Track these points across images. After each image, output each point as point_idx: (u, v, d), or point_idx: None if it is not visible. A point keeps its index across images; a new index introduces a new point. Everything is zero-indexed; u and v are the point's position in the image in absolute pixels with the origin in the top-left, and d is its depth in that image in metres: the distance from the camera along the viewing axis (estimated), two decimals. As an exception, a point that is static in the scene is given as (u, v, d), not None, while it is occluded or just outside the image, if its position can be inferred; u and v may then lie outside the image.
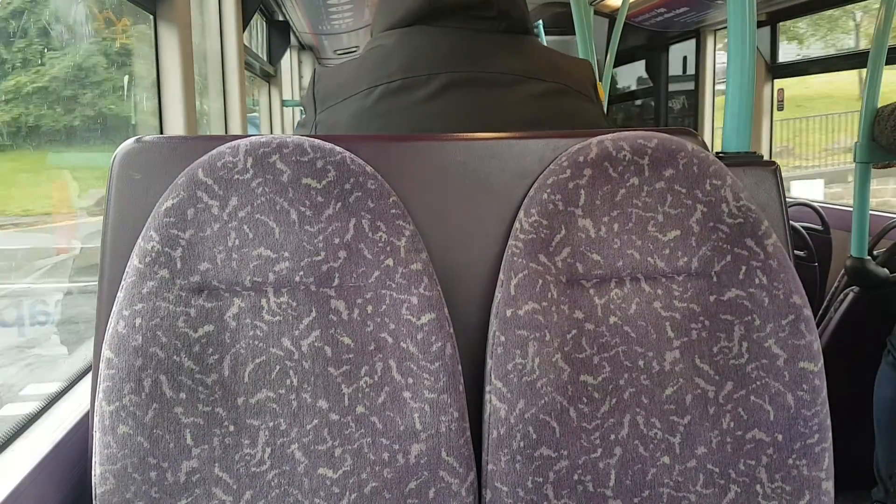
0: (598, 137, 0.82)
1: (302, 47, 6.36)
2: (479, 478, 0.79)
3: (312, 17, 4.84)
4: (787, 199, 0.91)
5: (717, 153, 1.01)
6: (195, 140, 0.84)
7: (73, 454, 0.85)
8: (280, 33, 4.68)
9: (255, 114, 4.71)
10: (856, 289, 1.95)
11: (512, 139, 0.86)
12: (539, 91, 0.97)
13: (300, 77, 6.36)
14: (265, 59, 4.49)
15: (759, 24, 3.14)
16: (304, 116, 1.03)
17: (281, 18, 4.72)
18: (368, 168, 0.78)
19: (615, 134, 0.82)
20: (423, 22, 1.00)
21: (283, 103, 5.20)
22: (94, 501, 0.74)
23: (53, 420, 0.91)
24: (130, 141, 0.82)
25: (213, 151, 0.77)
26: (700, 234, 0.80)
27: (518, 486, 0.77)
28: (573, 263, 0.79)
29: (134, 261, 0.75)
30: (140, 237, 0.75)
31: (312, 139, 0.78)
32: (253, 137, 0.78)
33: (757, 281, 0.79)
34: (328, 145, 0.78)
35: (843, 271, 2.04)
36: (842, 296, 1.97)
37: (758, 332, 0.79)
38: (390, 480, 0.76)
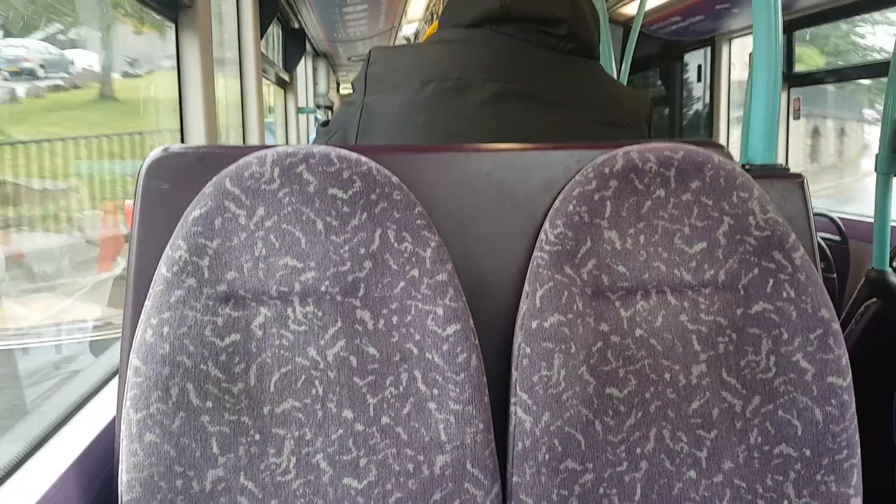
0: (625, 149, 0.82)
1: (317, 54, 6.40)
2: (504, 490, 0.79)
3: (328, 24, 4.87)
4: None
5: (742, 165, 1.00)
6: (222, 150, 0.84)
7: (98, 461, 0.85)
8: (296, 41, 4.72)
9: (269, 119, 4.74)
10: (877, 301, 1.93)
11: (537, 150, 0.86)
12: (590, 119, 0.97)
13: (315, 84, 6.39)
14: (281, 66, 4.52)
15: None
16: (353, 96, 1.02)
17: (297, 26, 4.75)
18: (394, 179, 0.78)
19: (641, 145, 0.82)
20: (490, 26, 0.99)
21: (299, 110, 5.24)
22: None
23: (79, 427, 0.92)
24: (158, 150, 0.83)
25: (241, 161, 0.77)
26: (727, 247, 0.80)
27: (543, 498, 0.77)
28: (599, 275, 0.79)
29: (162, 269, 0.75)
30: (168, 246, 0.76)
31: (339, 149, 0.79)
32: (280, 147, 0.79)
33: (785, 294, 0.78)
34: (354, 156, 0.78)
35: (861, 283, 2.02)
36: (862, 308, 1.95)
37: (786, 346, 0.78)
38: (415, 492, 0.76)
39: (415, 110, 0.95)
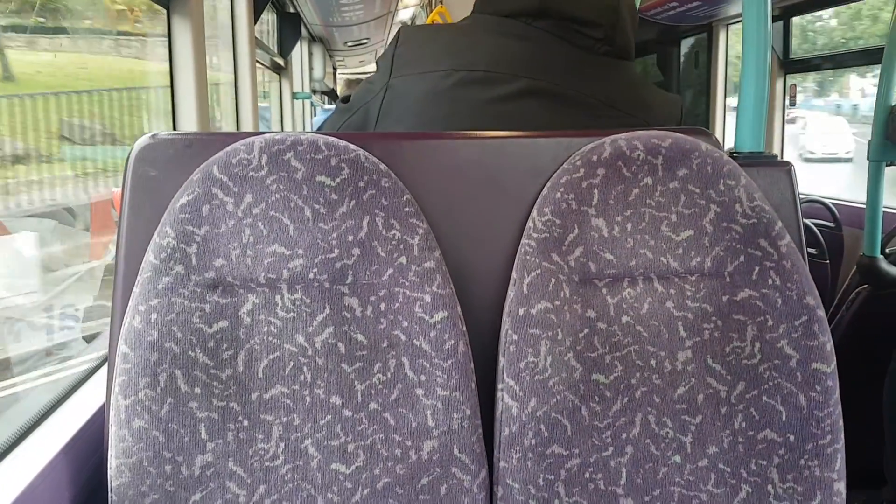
0: (612, 137, 0.82)
1: (313, 39, 6.36)
2: (491, 475, 0.80)
3: (323, 8, 4.84)
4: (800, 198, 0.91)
5: (730, 152, 1.00)
6: (210, 136, 0.84)
7: (88, 447, 0.86)
8: (291, 25, 4.68)
9: (265, 104, 4.71)
10: (868, 287, 1.94)
11: (525, 138, 0.86)
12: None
13: (310, 69, 6.36)
14: (276, 51, 4.49)
15: (773, 20, 3.12)
16: (375, 74, 1.00)
17: (292, 10, 4.71)
18: (382, 166, 0.79)
19: (629, 133, 0.82)
20: (525, 19, 0.98)
21: (294, 96, 5.21)
22: (109, 494, 0.75)
23: (68, 413, 0.92)
24: (146, 137, 0.83)
25: (229, 148, 0.77)
26: (713, 235, 0.80)
27: (529, 483, 0.78)
28: (586, 263, 0.80)
29: (149, 256, 0.75)
30: (155, 233, 0.76)
31: (327, 136, 0.79)
32: (268, 134, 0.79)
33: (770, 281, 0.79)
34: (342, 143, 0.78)
35: (854, 269, 2.02)
36: (853, 294, 1.96)
37: (770, 333, 0.79)
38: (402, 476, 0.77)
39: (439, 98, 0.94)
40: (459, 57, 0.95)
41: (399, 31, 1.01)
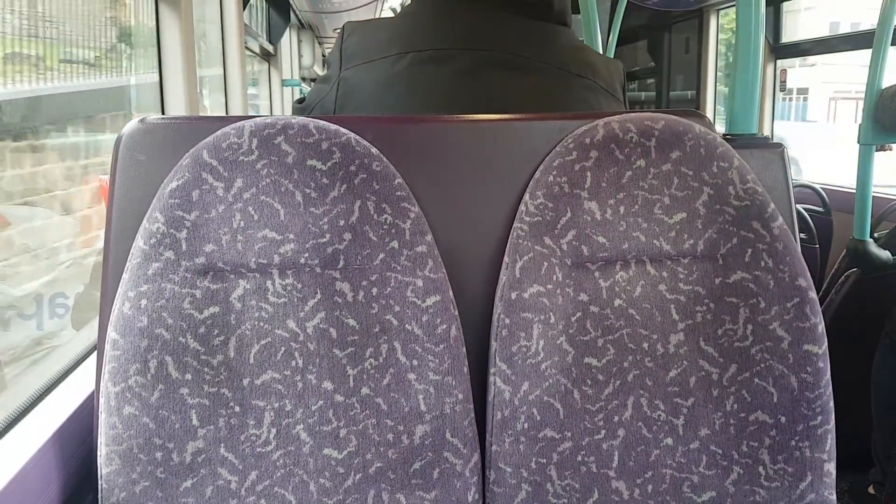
0: (605, 119, 0.81)
1: (302, 26, 6.31)
2: (483, 459, 0.80)
3: (312, -5, 4.79)
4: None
5: (723, 135, 1.00)
6: (200, 121, 0.83)
7: (77, 435, 0.85)
8: (280, 11, 4.64)
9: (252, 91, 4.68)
10: (857, 271, 1.95)
11: (518, 121, 0.85)
12: (569, 84, 0.96)
13: (300, 56, 6.31)
14: (265, 37, 4.45)
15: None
16: (326, 72, 1.01)
17: (281, -4, 4.67)
18: (374, 150, 0.78)
19: (622, 115, 0.82)
20: None
21: (283, 83, 5.17)
22: (99, 482, 0.74)
23: (58, 401, 0.91)
24: (135, 121, 0.81)
25: (218, 133, 0.76)
26: (706, 217, 0.80)
27: (522, 466, 0.78)
28: (578, 246, 0.79)
29: (139, 242, 0.74)
30: (145, 218, 0.75)
31: (318, 120, 0.78)
32: (258, 118, 0.78)
33: (763, 264, 0.79)
34: (333, 127, 0.77)
35: (843, 253, 2.04)
36: (843, 278, 1.97)
37: (763, 315, 0.79)
38: (395, 461, 0.77)
39: (392, 82, 0.94)
40: (406, 40, 0.96)
41: (344, 26, 1.00)
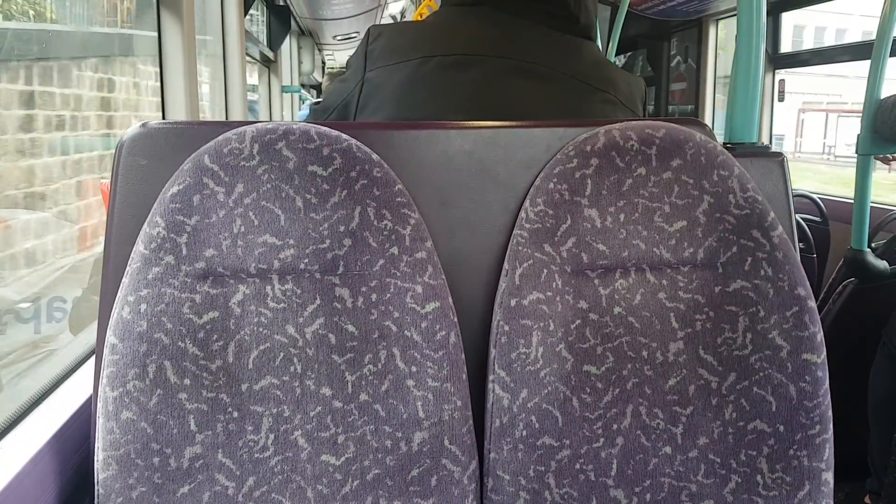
0: (606, 127, 0.82)
1: (302, 33, 6.32)
2: (482, 466, 0.80)
3: (313, 2, 4.80)
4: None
5: (724, 143, 1.01)
6: (201, 126, 0.83)
7: (74, 439, 0.85)
8: (280, 18, 4.65)
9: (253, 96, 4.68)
10: (854, 281, 1.96)
11: (518, 128, 0.86)
12: (590, 97, 0.98)
13: (300, 63, 6.32)
14: (265, 44, 4.46)
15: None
16: (347, 73, 1.02)
17: (282, 3, 4.68)
18: (374, 156, 0.78)
19: (623, 123, 0.82)
20: (496, 4, 1.01)
21: (283, 89, 5.17)
22: (95, 487, 0.74)
23: (55, 405, 0.91)
24: (136, 126, 0.82)
25: (220, 138, 0.76)
26: (706, 225, 0.80)
27: (520, 474, 0.78)
28: (578, 253, 0.79)
29: (139, 247, 0.74)
30: (145, 223, 0.75)
31: (319, 126, 0.78)
32: (259, 124, 0.78)
33: (762, 272, 0.79)
34: (334, 133, 0.78)
35: (840, 263, 2.04)
36: (840, 287, 1.98)
37: (762, 324, 0.79)
38: (393, 468, 0.76)
39: (417, 84, 0.96)
40: (433, 44, 0.98)
41: (370, 29, 1.02)
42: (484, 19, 1.00)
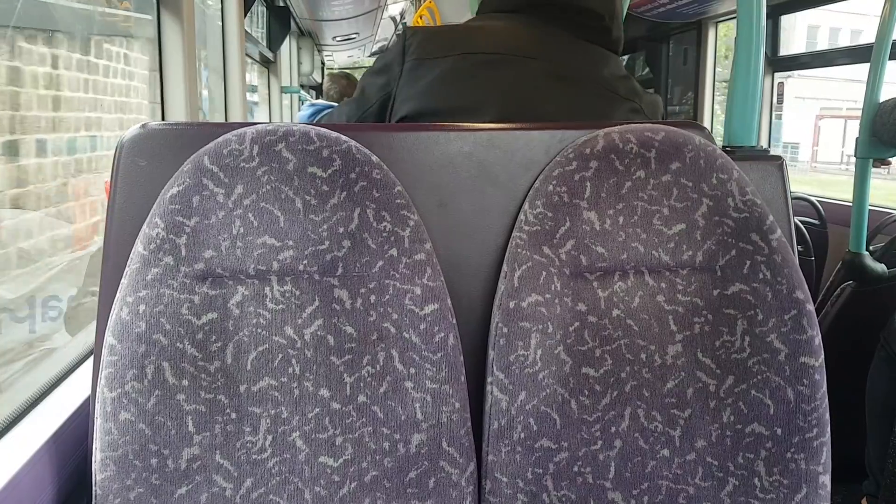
0: (605, 130, 0.82)
1: (301, 34, 6.32)
2: (480, 468, 0.80)
3: (312, 3, 4.81)
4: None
5: (723, 147, 1.01)
6: (201, 127, 0.84)
7: (72, 440, 0.85)
8: (280, 19, 4.65)
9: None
10: (852, 283, 1.96)
11: (518, 130, 0.86)
12: (615, 104, 1.02)
13: (299, 64, 6.32)
14: (265, 45, 4.46)
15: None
16: (381, 65, 1.04)
17: (282, 4, 4.68)
18: (374, 157, 0.78)
19: (622, 126, 0.82)
20: (531, 12, 1.05)
21: (283, 90, 5.18)
22: (93, 488, 0.74)
23: (52, 406, 0.91)
24: (136, 127, 0.82)
25: (220, 139, 0.76)
26: (705, 228, 0.80)
27: (518, 476, 0.78)
28: (577, 256, 0.80)
29: (138, 247, 0.74)
30: (145, 224, 0.75)
31: (318, 128, 0.78)
32: (259, 125, 0.78)
33: (761, 276, 0.79)
34: (334, 134, 0.78)
35: (838, 266, 2.04)
36: (838, 291, 1.98)
37: (760, 327, 0.79)
38: (390, 470, 0.76)
39: (455, 77, 0.99)
40: (473, 42, 1.01)
41: (405, 29, 1.06)
42: (519, 25, 1.04)
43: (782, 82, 3.33)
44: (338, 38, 6.86)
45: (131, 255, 0.75)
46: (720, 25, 3.64)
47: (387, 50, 1.06)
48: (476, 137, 0.85)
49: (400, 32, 1.10)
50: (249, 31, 3.59)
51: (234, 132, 0.77)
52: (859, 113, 1.89)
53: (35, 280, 1.44)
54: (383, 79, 1.03)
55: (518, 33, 1.03)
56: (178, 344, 0.74)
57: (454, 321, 0.78)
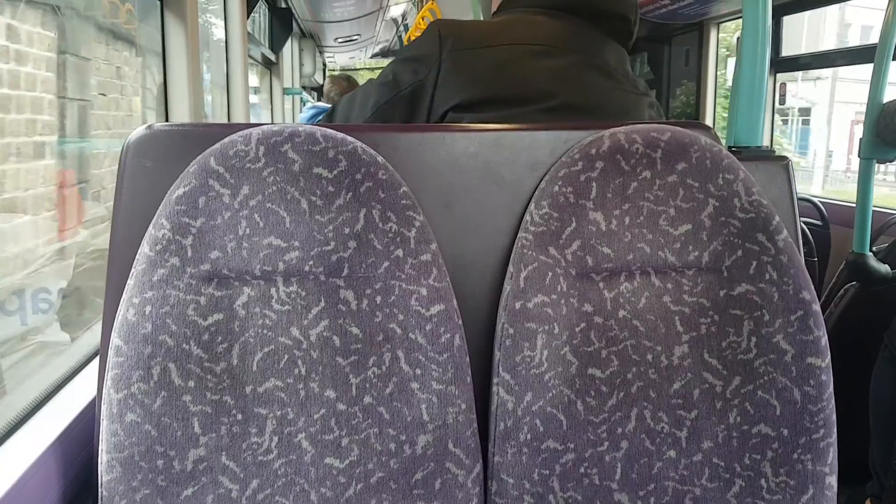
0: (611, 130, 0.82)
1: (303, 35, 6.33)
2: (486, 469, 0.80)
3: (314, 4, 4.81)
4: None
5: (728, 147, 1.01)
6: (207, 128, 0.84)
7: (78, 441, 0.85)
8: (282, 20, 4.66)
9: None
10: (856, 284, 1.96)
11: (523, 130, 0.86)
12: (640, 100, 1.08)
13: (301, 65, 6.33)
14: (267, 46, 4.46)
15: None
16: (415, 53, 1.05)
17: (283, 6, 4.69)
18: (380, 158, 0.78)
19: (628, 127, 0.82)
20: (569, 10, 1.08)
21: (285, 91, 5.18)
22: (99, 489, 0.74)
23: (59, 407, 0.91)
24: (142, 128, 0.82)
25: (226, 140, 0.76)
26: (711, 229, 0.80)
27: (524, 478, 0.78)
28: (583, 256, 0.79)
29: (144, 248, 0.74)
30: (151, 225, 0.75)
31: (324, 129, 0.78)
32: (265, 126, 0.78)
33: (767, 276, 0.79)
34: (340, 135, 0.78)
35: (841, 267, 2.04)
36: (842, 291, 1.98)
37: (767, 328, 0.79)
38: (396, 471, 0.76)
39: (509, 65, 1.01)
40: (517, 34, 1.05)
41: (436, 22, 1.07)
42: (564, 22, 1.08)
43: (784, 83, 3.33)
44: (339, 40, 6.87)
45: (137, 256, 0.75)
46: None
47: (417, 40, 1.08)
48: (482, 138, 0.85)
49: (430, 25, 1.10)
50: (252, 32, 3.59)
51: (240, 133, 0.77)
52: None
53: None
54: (418, 67, 1.04)
55: (555, 27, 1.07)
56: (184, 345, 0.74)
57: (460, 322, 0.78)
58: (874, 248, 2.00)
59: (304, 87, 6.72)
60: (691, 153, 0.80)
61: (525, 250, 0.79)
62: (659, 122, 0.84)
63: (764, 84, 1.05)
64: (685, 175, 0.80)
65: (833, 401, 0.80)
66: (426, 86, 1.03)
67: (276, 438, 0.75)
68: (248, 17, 2.67)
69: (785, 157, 0.91)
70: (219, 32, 2.61)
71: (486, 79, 1.01)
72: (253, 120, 3.95)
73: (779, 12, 3.14)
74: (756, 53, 1.03)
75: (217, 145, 0.76)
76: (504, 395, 0.78)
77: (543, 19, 1.08)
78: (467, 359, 0.78)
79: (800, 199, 2.93)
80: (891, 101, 1.85)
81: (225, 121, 2.57)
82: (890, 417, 1.76)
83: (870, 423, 1.82)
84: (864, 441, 1.84)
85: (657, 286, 0.81)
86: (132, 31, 2.03)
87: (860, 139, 1.91)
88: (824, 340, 0.79)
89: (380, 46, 8.78)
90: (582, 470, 0.78)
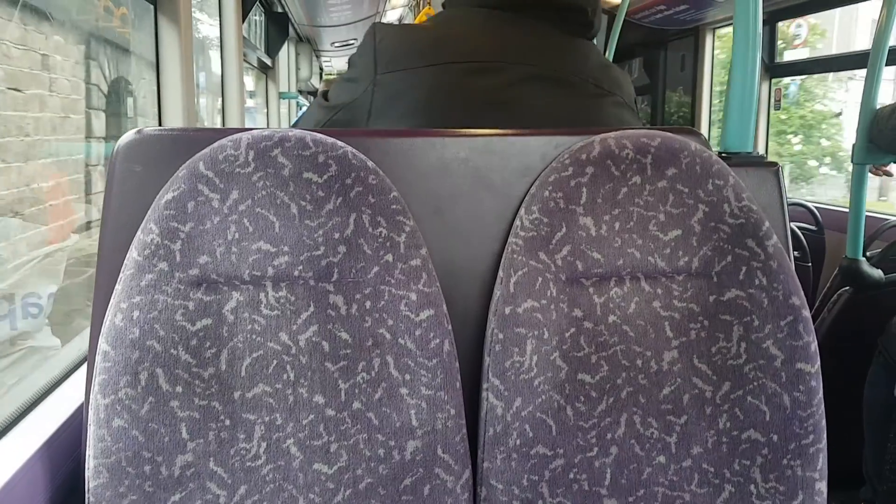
0: (601, 135, 0.82)
1: (300, 39, 6.34)
2: (475, 475, 0.79)
3: (311, 9, 4.82)
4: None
5: (719, 153, 1.01)
6: (196, 132, 0.83)
7: (65, 447, 0.85)
8: (278, 25, 4.66)
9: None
10: (849, 289, 1.96)
11: (514, 136, 0.86)
12: (601, 100, 0.99)
13: (297, 69, 6.34)
14: (263, 50, 4.47)
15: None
16: (353, 71, 0.99)
17: (280, 10, 4.69)
18: (370, 163, 0.78)
19: (618, 132, 0.82)
20: (512, 7, 1.00)
21: (281, 95, 5.18)
22: (86, 495, 0.73)
23: (46, 412, 0.91)
24: (131, 133, 0.81)
25: (215, 144, 0.76)
26: (701, 234, 0.80)
27: (513, 484, 0.78)
28: (573, 262, 0.79)
29: (133, 253, 0.74)
30: (139, 230, 0.75)
31: (314, 133, 0.78)
32: (255, 131, 0.78)
33: (757, 282, 0.79)
34: (330, 140, 0.78)
35: (835, 272, 2.04)
36: (835, 296, 1.98)
37: (756, 333, 0.79)
38: (385, 477, 0.76)
39: (442, 91, 0.94)
40: (452, 49, 0.96)
41: (373, 27, 0.99)
42: (501, 26, 0.99)
43: (779, 88, 3.34)
44: (336, 44, 6.88)
45: (126, 260, 0.74)
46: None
47: (357, 53, 1.00)
48: (472, 143, 0.85)
49: (368, 30, 1.00)
50: (248, 36, 3.60)
51: (230, 137, 0.77)
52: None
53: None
54: (351, 87, 0.98)
55: (498, 36, 0.98)
56: (171, 350, 0.73)
57: (450, 327, 0.78)
58: (868, 254, 2.01)
59: (300, 92, 6.72)
60: (681, 159, 0.80)
61: (515, 255, 0.79)
62: (649, 128, 0.84)
63: (755, 90, 1.05)
64: (675, 180, 0.80)
65: (823, 406, 0.80)
66: (359, 109, 0.97)
67: (264, 444, 0.75)
68: (243, 22, 2.67)
69: (775, 163, 0.91)
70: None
71: (418, 111, 0.95)
72: (249, 124, 3.95)
73: (773, 18, 3.15)
74: (747, 59, 1.04)
75: (206, 150, 0.76)
76: (493, 400, 0.78)
77: (486, 23, 1.00)
78: (457, 364, 0.78)
79: (795, 203, 2.95)
80: (884, 107, 1.85)
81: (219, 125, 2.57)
82: (883, 423, 1.76)
83: (863, 427, 1.82)
84: (857, 446, 1.84)
85: (647, 291, 0.81)
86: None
87: (853, 144, 1.91)
88: (814, 346, 0.79)
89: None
90: (571, 475, 0.78)
